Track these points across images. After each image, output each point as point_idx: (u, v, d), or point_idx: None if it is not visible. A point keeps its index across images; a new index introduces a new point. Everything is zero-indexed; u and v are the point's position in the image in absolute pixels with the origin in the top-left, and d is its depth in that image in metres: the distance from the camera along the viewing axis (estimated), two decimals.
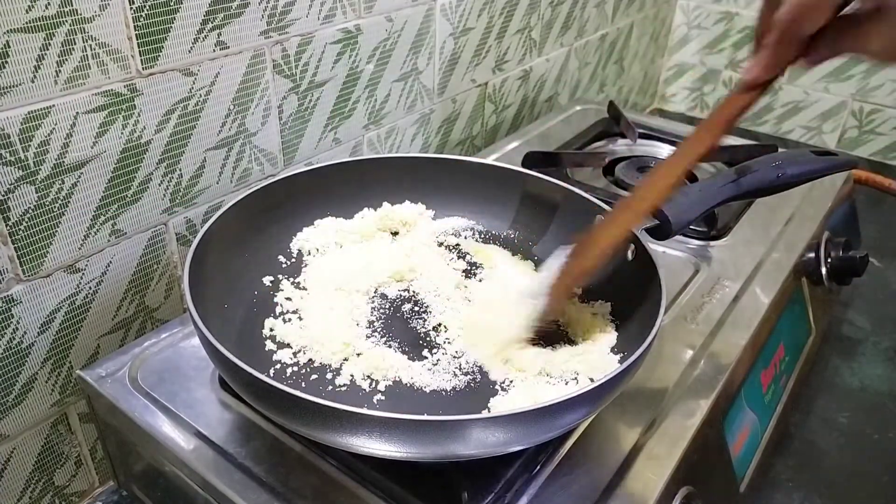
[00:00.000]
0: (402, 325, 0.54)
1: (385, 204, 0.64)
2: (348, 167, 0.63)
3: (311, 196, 0.61)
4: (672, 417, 0.50)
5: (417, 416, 0.37)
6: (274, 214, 0.59)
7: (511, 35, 0.95)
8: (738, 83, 0.46)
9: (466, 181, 0.65)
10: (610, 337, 0.52)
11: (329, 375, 0.49)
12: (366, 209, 0.64)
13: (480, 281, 0.59)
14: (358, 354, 0.51)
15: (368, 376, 0.49)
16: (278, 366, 0.50)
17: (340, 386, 0.48)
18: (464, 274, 0.60)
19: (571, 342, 0.52)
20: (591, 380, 0.48)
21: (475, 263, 0.61)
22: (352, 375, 0.49)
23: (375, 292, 0.57)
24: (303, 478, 0.45)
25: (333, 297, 0.56)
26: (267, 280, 0.57)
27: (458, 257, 0.62)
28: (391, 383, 0.49)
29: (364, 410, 0.37)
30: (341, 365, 0.50)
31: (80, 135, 0.51)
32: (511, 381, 0.49)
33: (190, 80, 0.57)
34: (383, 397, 0.48)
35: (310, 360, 0.50)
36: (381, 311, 0.56)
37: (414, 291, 0.58)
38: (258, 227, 0.58)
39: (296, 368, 0.49)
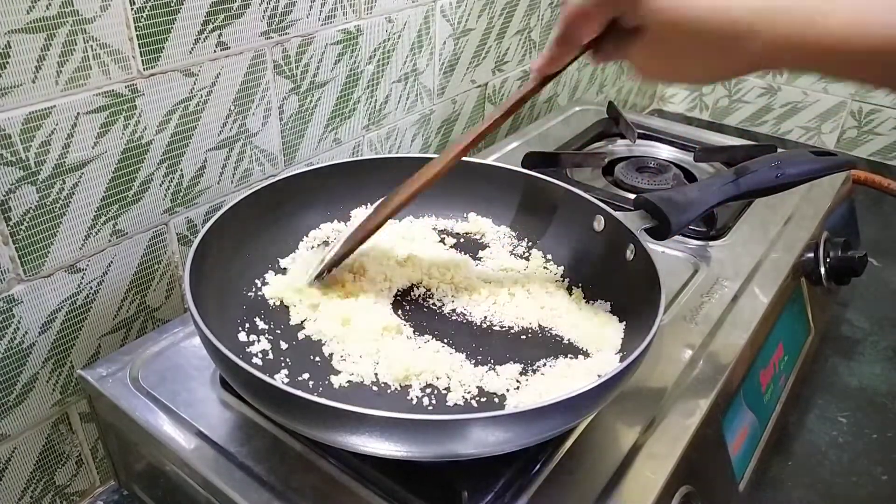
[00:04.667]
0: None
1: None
2: (349, 167, 0.63)
3: (311, 196, 0.62)
4: (671, 417, 0.50)
5: (417, 416, 0.37)
6: (275, 215, 0.59)
7: (511, 36, 0.96)
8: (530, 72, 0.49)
9: (466, 181, 0.65)
10: (610, 336, 0.52)
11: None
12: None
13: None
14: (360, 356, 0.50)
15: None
16: None
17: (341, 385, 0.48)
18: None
19: (572, 341, 0.53)
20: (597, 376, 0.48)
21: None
22: (351, 374, 0.49)
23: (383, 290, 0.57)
24: (303, 477, 0.45)
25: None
26: (268, 279, 0.57)
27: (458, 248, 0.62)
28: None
29: (364, 410, 0.37)
30: (342, 364, 0.50)
31: (81, 135, 0.51)
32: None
33: (191, 80, 0.57)
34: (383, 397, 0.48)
35: None
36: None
37: (416, 294, 0.58)
38: (259, 227, 0.58)
39: None
